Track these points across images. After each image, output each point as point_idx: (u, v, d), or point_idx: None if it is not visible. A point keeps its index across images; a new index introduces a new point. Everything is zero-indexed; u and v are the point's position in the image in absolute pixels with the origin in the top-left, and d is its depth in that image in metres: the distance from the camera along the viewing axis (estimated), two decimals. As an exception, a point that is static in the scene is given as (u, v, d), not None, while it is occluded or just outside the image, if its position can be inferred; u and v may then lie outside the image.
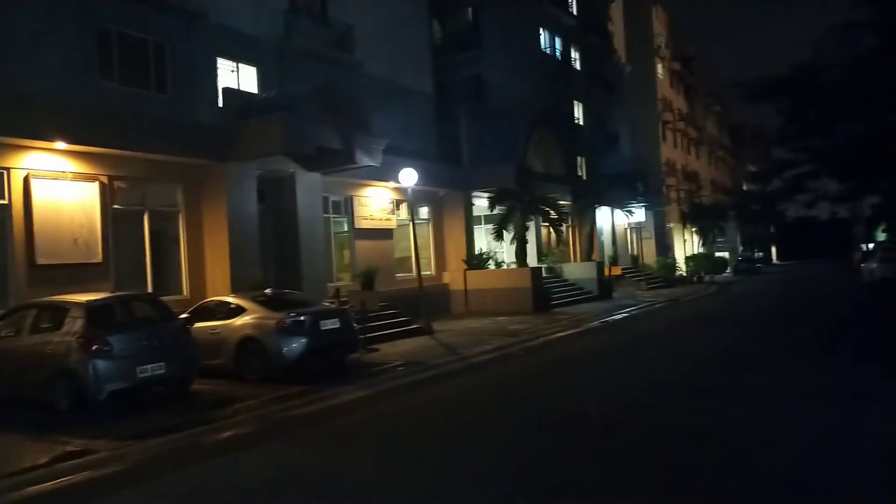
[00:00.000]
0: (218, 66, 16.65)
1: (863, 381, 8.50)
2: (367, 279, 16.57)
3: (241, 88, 16.91)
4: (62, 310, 8.73)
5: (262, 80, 17.68)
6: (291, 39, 18.37)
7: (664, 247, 42.24)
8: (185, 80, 15.47)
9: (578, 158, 32.76)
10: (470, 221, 23.39)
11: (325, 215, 17.69)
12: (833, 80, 20.22)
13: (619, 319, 19.27)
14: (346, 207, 18.90)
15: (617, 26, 40.39)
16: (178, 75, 15.34)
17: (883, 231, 48.96)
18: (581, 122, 34.39)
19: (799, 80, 21.20)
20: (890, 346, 11.49)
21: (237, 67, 17.23)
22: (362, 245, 19.05)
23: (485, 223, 25.04)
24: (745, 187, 75.42)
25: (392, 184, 18.77)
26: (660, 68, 48.57)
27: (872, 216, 42.20)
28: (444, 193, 22.67)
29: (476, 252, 22.89)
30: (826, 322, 16.43)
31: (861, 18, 18.81)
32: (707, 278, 38.49)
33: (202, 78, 16.00)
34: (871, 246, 43.13)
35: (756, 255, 65.43)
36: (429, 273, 21.42)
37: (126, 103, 13.80)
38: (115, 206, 12.69)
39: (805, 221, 77.41)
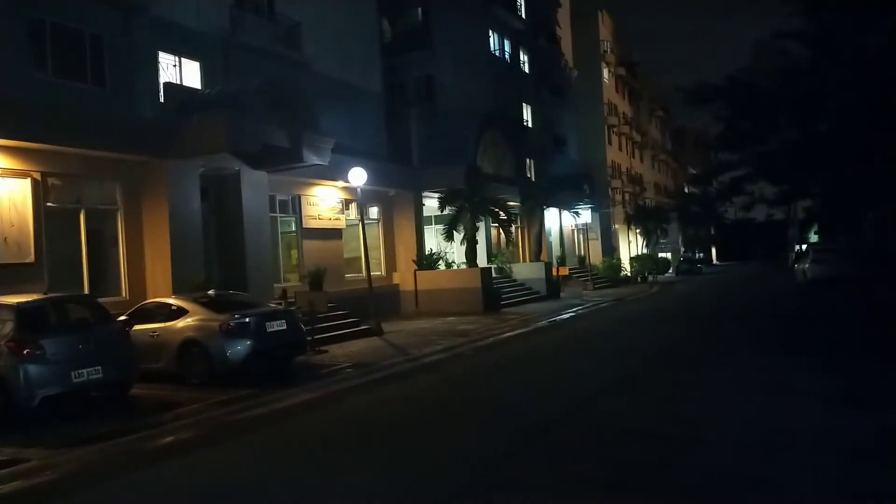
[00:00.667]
0: (160, 60, 16.19)
1: (797, 377, 8.88)
2: (316, 280, 16.35)
3: (184, 84, 16.47)
4: (-10, 313, 8.29)
5: (206, 75, 17.26)
6: (237, 35, 18.01)
7: (610, 248, 43.23)
8: (124, 73, 14.98)
9: (527, 160, 33.19)
10: (420, 222, 23.39)
11: (272, 214, 17.40)
12: (767, 88, 21.11)
13: (567, 319, 19.62)
14: (294, 207, 18.62)
15: (565, 31, 41.11)
16: (116, 69, 14.84)
17: (815, 233, 51.39)
18: (530, 125, 34.86)
19: (735, 88, 22.07)
20: (822, 342, 12.05)
21: (179, 62, 16.77)
22: (310, 245, 18.80)
23: (435, 223, 25.09)
24: (686, 190, 77.93)
25: (341, 183, 18.60)
26: (606, 73, 49.69)
27: (806, 219, 44.20)
28: (395, 193, 22.61)
29: (426, 252, 22.91)
30: (762, 320, 17.11)
31: (793, 29, 19.71)
32: (650, 278, 39.59)
33: (143, 72, 15.52)
34: (804, 247, 45.16)
35: (697, 255, 67.64)
36: (379, 273, 21.32)
37: (62, 97, 13.28)
38: (49, 204, 12.15)
39: (743, 223, 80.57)
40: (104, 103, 14.22)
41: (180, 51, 16.70)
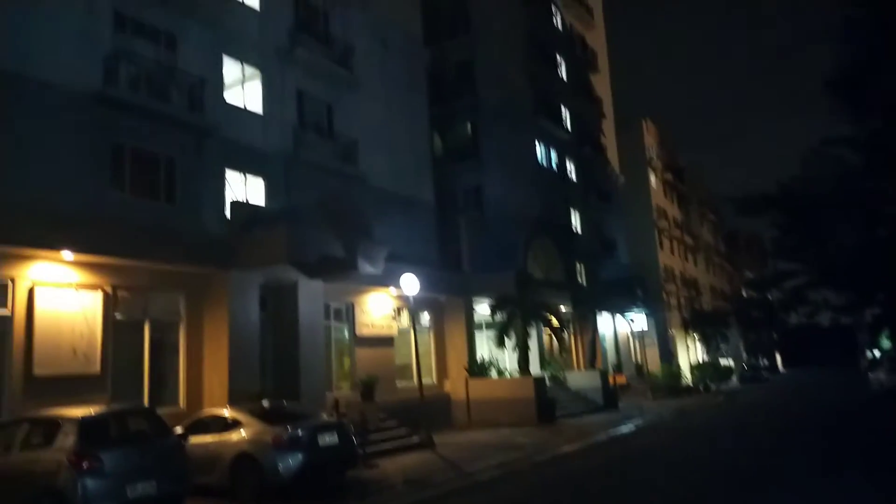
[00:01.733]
0: (226, 177, 17.18)
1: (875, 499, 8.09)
2: (367, 388, 16.20)
3: (249, 198, 17.37)
4: (54, 425, 8.45)
5: (269, 190, 18.17)
6: (299, 152, 19.07)
7: (668, 354, 41.73)
8: (193, 191, 15.91)
9: (578, 265, 33.10)
10: (471, 328, 23.24)
11: (326, 322, 17.59)
12: (821, 196, 20.74)
13: (627, 433, 18.67)
14: (348, 314, 18.83)
15: (610, 139, 42.11)
16: (186, 186, 15.79)
17: (887, 338, 48.57)
18: (579, 230, 35.05)
19: (787, 197, 21.75)
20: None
21: (245, 178, 17.77)
22: (363, 353, 18.80)
23: (486, 330, 24.88)
24: (744, 294, 75.69)
25: (394, 290, 18.82)
26: (653, 178, 50.18)
27: (875, 323, 42.00)
28: (446, 300, 22.69)
29: (478, 359, 22.56)
30: (838, 435, 15.91)
31: (842, 135, 19.62)
32: (713, 387, 37.72)
33: (210, 189, 16.45)
34: (877, 353, 42.61)
35: (761, 362, 64.53)
36: (430, 381, 21.02)
37: (135, 213, 14.12)
38: (117, 316, 12.64)
39: (808, 328, 77.05)
40: (174, 219, 15.05)
41: (246, 168, 17.74)
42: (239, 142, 17.35)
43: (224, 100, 17.35)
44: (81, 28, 14.15)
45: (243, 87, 18.21)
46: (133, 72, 14.80)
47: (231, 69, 17.87)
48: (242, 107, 17.98)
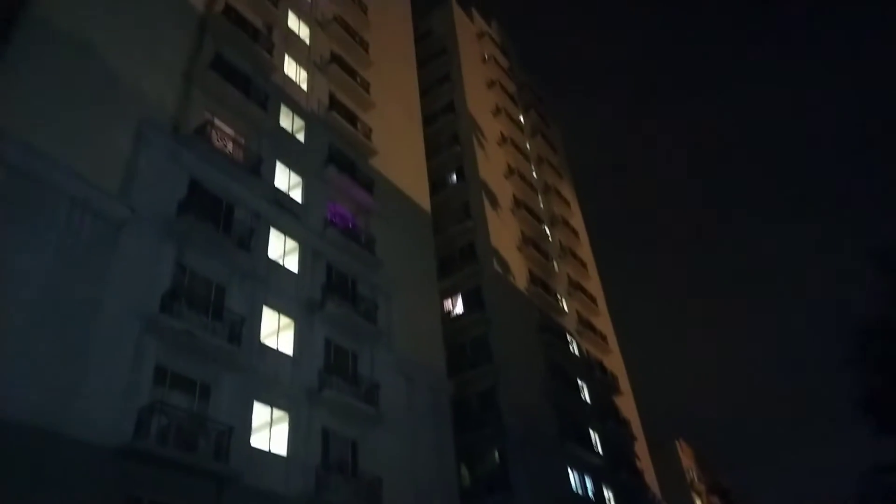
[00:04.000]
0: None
1: None
2: None
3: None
4: None
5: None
6: (321, 494, 18.28)
7: None
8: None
9: None
10: None
11: None
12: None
13: None
14: None
15: (645, 462, 40.31)
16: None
17: None
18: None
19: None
20: None
21: (263, 527, 16.73)
22: None
23: None
24: None
25: None
26: (698, 502, 46.54)
27: None
28: None
29: None
30: None
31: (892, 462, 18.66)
32: None
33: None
34: None
35: None
36: None
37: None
38: None
39: None
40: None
41: (264, 516, 16.85)
42: (259, 488, 16.80)
43: (249, 444, 17.34)
44: (125, 385, 14.93)
45: (270, 430, 18.35)
46: (164, 423, 15.13)
47: (260, 413, 18.25)
48: (267, 450, 17.87)
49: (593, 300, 42.86)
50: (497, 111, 45.03)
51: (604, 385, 39.01)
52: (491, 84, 46.78)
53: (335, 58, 29.49)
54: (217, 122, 21.23)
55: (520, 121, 48.62)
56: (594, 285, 46.21)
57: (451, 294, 33.42)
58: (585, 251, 48.30)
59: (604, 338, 41.83)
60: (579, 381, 36.33)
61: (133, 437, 14.36)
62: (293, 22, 28.50)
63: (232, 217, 19.90)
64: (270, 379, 18.84)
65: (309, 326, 21.00)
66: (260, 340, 19.13)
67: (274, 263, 21.05)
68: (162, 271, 17.07)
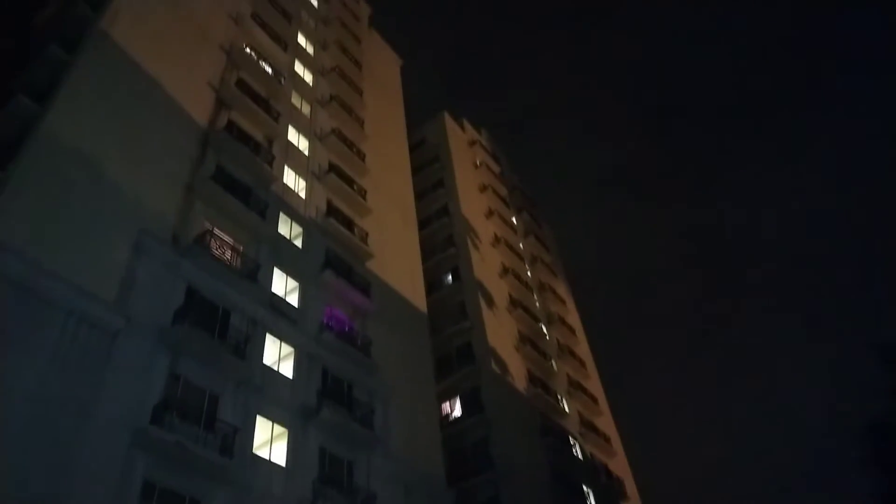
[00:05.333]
0: None
1: None
2: None
3: None
4: None
5: None
6: None
7: None
8: None
9: None
10: None
11: None
12: None
13: None
14: None
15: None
16: None
17: None
18: None
19: None
20: None
21: None
22: None
23: None
24: None
25: None
26: None
27: None
28: None
29: None
30: None
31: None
32: None
33: None
34: None
35: None
36: None
37: None
38: None
39: None
40: None
41: None
42: None
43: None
44: (110, 497, 14.37)
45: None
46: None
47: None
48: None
49: (594, 400, 42.02)
50: (490, 213, 46.16)
51: (610, 491, 37.47)
52: (483, 188, 48.26)
53: (333, 167, 30.60)
54: (216, 231, 21.71)
55: (512, 222, 49.75)
56: (594, 384, 45.48)
57: (449, 396, 32.80)
58: (583, 349, 47.93)
59: (607, 439, 40.66)
60: (584, 488, 34.92)
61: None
62: (293, 135, 29.80)
63: (228, 323, 19.91)
64: (263, 493, 18.14)
65: (303, 435, 20.47)
66: (252, 451, 18.59)
67: (269, 370, 20.84)
68: (155, 381, 16.88)
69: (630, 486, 40.84)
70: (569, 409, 38.86)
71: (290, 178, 27.88)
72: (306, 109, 32.06)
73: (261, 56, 29.69)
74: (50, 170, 17.68)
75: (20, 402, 13.93)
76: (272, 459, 19.18)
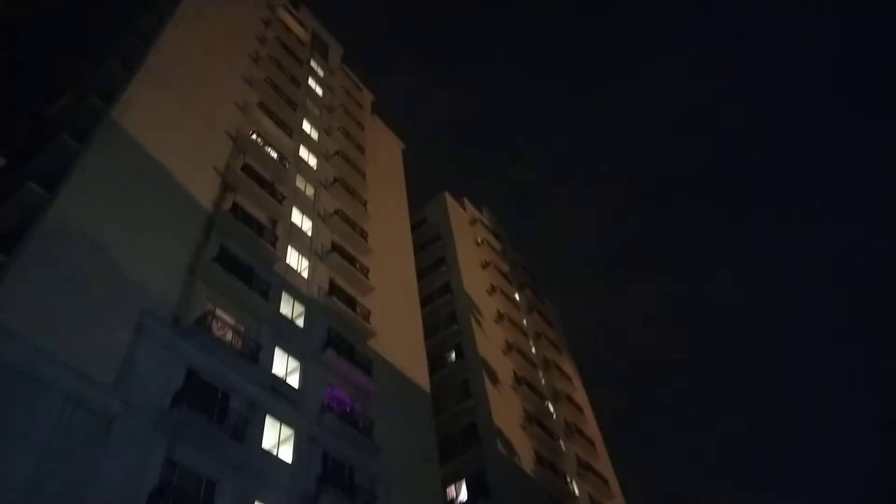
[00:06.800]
0: None
1: None
2: None
3: None
4: None
5: None
6: None
7: None
8: None
9: None
10: None
11: None
12: None
13: None
14: None
15: None
16: None
17: None
18: None
19: None
20: None
21: None
22: None
23: None
24: None
25: None
26: None
27: None
28: None
29: None
30: None
31: None
32: None
33: None
34: None
35: None
36: None
37: None
38: None
39: None
40: None
41: None
42: None
43: None
44: None
45: None
46: None
47: None
48: None
49: (605, 482, 40.57)
50: (492, 290, 46.21)
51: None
52: (485, 265, 48.56)
53: (336, 247, 30.98)
54: (218, 311, 21.76)
55: (515, 299, 49.70)
56: (604, 465, 44.04)
57: (454, 480, 31.77)
58: (592, 428, 46.72)
59: (606, 482, 38.97)
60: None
61: None
62: (296, 216, 30.36)
63: (227, 406, 19.62)
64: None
65: (303, 523, 19.74)
66: (250, 541, 17.90)
67: (267, 454, 20.34)
68: (151, 467, 16.47)
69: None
70: (579, 492, 37.48)
71: (294, 259, 28.19)
72: (310, 191, 32.80)
73: (266, 142, 30.66)
74: (54, 254, 17.96)
75: (16, 492, 13.58)
76: (270, 550, 18.42)
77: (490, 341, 40.24)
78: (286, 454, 21.03)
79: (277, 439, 21.15)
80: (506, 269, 51.84)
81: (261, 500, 18.97)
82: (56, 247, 18.09)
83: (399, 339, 32.07)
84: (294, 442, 21.49)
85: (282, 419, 21.59)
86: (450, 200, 51.70)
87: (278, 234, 27.23)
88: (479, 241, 51.59)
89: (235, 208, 25.71)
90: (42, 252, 17.65)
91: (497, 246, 54.21)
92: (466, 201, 55.74)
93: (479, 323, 40.39)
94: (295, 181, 31.88)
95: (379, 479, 23.58)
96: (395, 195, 43.91)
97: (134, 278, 19.71)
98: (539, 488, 33.86)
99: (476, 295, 43.17)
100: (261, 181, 27.94)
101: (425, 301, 39.96)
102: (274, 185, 28.77)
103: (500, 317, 44.02)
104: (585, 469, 39.43)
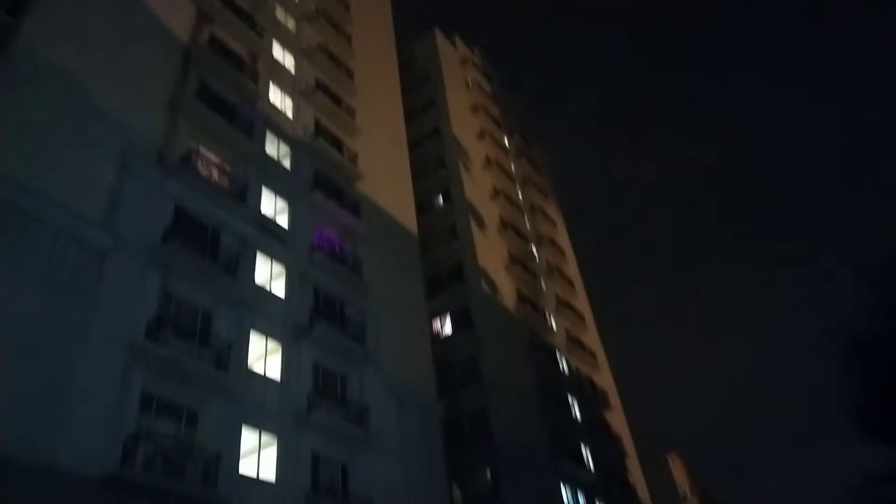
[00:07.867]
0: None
1: None
2: None
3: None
4: None
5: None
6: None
7: None
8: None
9: None
10: None
11: None
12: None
13: None
14: None
15: (637, 477, 40.25)
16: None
17: None
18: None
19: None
20: None
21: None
22: None
23: None
24: None
25: None
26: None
27: None
28: None
29: None
30: None
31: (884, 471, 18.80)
32: None
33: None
34: None
35: None
36: None
37: None
38: None
39: None
40: None
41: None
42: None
43: (237, 470, 17.30)
44: (111, 413, 14.93)
45: (259, 456, 18.33)
46: (150, 450, 15.12)
47: (248, 438, 18.23)
48: (256, 476, 17.81)
49: (581, 318, 43.11)
50: (482, 135, 45.62)
51: (594, 401, 39.10)
52: (475, 109, 47.46)
53: (320, 85, 29.96)
54: (202, 150, 21.51)
55: (504, 143, 49.24)
56: (582, 303, 46.50)
57: (440, 315, 33.58)
58: (572, 269, 48.67)
59: (593, 354, 42.01)
60: (569, 398, 36.42)
61: (119, 466, 14.34)
62: (278, 51, 28.99)
63: (218, 243, 20.08)
64: (258, 404, 18.86)
65: (297, 351, 21.09)
66: (247, 366, 19.19)
67: (261, 289, 21.19)
68: (147, 299, 17.17)
69: (614, 399, 42.58)
70: (556, 326, 39.91)
71: (277, 97, 27.36)
72: (291, 24, 31.04)
73: (241, -33, 28.40)
74: (30, 88, 17.25)
75: (13, 323, 14.14)
76: (267, 374, 19.83)
77: (478, 186, 40.51)
78: (279, 289, 21.92)
79: (269, 275, 21.93)
80: (496, 113, 50.75)
81: (256, 330, 20.10)
82: (30, 82, 17.32)
83: (386, 181, 32.16)
84: (285, 278, 22.32)
85: (273, 256, 22.24)
86: (440, 38, 49.25)
87: (259, 69, 26.17)
88: (470, 82, 49.94)
89: (213, 41, 24.44)
90: (15, 87, 16.94)
91: (488, 89, 52.61)
92: (458, 39, 53.13)
93: (467, 168, 40.37)
94: (275, 12, 30.04)
95: (368, 313, 24.87)
96: (381, 30, 41.68)
97: (113, 113, 19.17)
98: (520, 323, 36.00)
99: (465, 139, 42.69)
100: (238, 11, 26.30)
101: (413, 144, 39.51)
102: (253, 18, 27.13)
103: (488, 162, 43.91)
104: (564, 306, 41.69)
